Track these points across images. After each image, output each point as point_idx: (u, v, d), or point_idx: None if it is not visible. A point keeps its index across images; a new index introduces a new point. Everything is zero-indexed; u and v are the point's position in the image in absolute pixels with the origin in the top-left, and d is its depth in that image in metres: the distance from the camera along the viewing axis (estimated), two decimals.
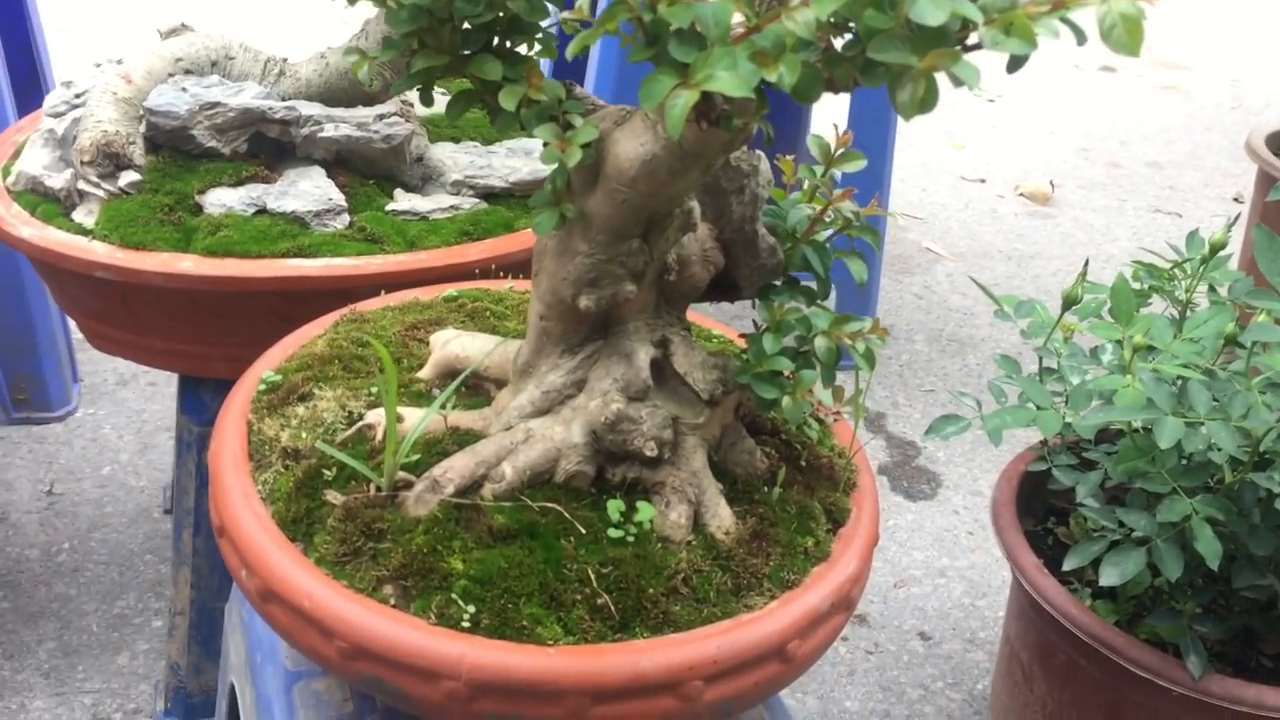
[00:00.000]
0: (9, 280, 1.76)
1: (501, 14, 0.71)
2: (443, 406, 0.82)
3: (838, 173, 0.84)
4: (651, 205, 0.72)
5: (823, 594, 0.77)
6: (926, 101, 0.52)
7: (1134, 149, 3.45)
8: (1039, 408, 1.13)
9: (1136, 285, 1.38)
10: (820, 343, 0.80)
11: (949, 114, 3.60)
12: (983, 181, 3.17)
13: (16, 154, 1.20)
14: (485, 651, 0.69)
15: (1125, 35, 0.49)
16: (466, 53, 0.73)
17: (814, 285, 0.85)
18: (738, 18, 0.57)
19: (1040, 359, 1.26)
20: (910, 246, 2.77)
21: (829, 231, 0.84)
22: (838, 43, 0.57)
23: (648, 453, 0.77)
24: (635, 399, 0.78)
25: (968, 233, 2.87)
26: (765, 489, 0.82)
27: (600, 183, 0.72)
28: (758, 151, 0.80)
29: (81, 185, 1.11)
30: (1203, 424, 1.02)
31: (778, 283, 0.84)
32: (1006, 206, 3.04)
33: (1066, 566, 1.18)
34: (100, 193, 1.10)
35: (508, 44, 0.74)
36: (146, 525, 1.70)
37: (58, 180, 1.12)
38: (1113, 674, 1.22)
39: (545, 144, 0.69)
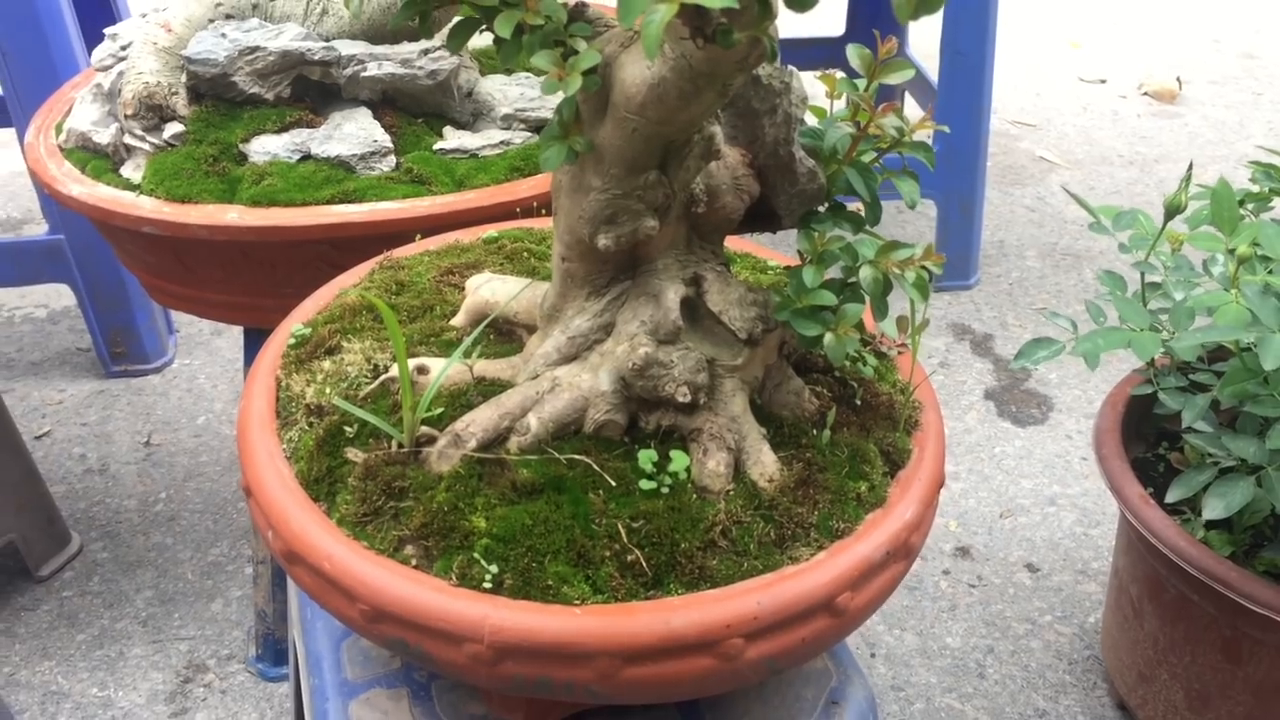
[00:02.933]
0: (98, 236, 1.77)
1: None
2: (468, 355, 0.78)
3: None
4: (665, 133, 0.66)
5: (876, 542, 0.72)
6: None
7: (1272, 36, 3.21)
8: (1135, 329, 1.04)
9: (1254, 188, 1.26)
10: (866, 273, 0.74)
11: (1065, 10, 3.40)
12: (1103, 82, 2.99)
13: (70, 111, 1.19)
14: (508, 613, 0.66)
15: None
16: None
17: (861, 210, 0.78)
18: None
19: (1142, 275, 1.16)
20: (1021, 156, 2.62)
21: (876, 152, 0.77)
22: None
23: (680, 398, 0.72)
24: (665, 341, 0.73)
25: (1085, 138, 2.71)
26: (814, 432, 0.76)
27: (609, 111, 0.66)
28: (789, 67, 0.73)
29: (128, 139, 1.09)
30: None
31: (821, 209, 0.77)
32: (1128, 107, 2.86)
33: (1170, 498, 1.09)
34: (146, 146, 1.09)
35: None
36: (238, 473, 1.71)
37: (105, 135, 1.11)
38: (1227, 610, 1.14)
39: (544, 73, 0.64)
